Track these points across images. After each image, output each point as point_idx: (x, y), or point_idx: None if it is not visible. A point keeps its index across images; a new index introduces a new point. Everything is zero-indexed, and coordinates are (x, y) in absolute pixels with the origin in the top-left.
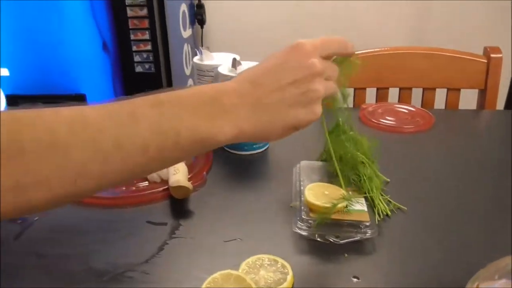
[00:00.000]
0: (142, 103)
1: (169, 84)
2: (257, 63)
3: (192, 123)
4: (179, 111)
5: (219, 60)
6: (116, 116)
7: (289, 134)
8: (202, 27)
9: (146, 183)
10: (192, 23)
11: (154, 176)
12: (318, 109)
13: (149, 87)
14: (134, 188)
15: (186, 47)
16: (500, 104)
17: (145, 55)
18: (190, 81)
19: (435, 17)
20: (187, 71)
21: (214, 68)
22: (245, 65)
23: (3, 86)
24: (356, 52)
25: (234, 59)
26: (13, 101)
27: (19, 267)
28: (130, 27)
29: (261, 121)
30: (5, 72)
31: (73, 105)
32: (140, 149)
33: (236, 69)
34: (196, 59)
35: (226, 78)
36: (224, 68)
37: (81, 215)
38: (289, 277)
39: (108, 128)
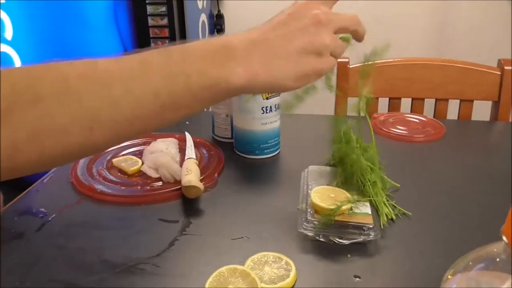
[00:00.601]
0: (151, 52)
1: None
2: None
3: (201, 66)
4: (188, 57)
5: None
6: (126, 64)
7: (304, 83)
8: None
9: (160, 183)
10: (211, 33)
11: (167, 176)
12: (329, 59)
13: None
14: (148, 187)
15: None
16: None
17: None
18: None
19: (453, 29)
20: None
21: None
22: None
23: None
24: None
25: None
26: None
27: (40, 257)
28: (151, 35)
29: (274, 65)
30: None
31: None
32: (151, 94)
33: None
34: None
35: None
36: None
37: (98, 212)
38: (292, 274)
39: (118, 74)
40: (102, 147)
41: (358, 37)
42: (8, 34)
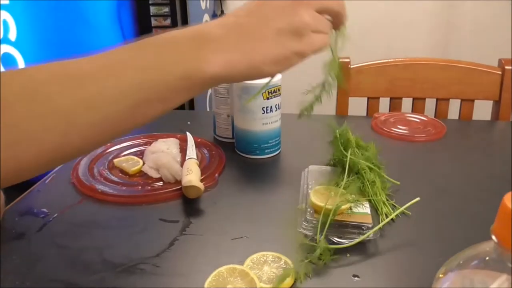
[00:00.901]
0: (123, 47)
1: None
2: None
3: (175, 58)
4: (162, 49)
5: None
6: (98, 62)
7: (285, 67)
8: None
9: (161, 183)
10: None
11: (168, 176)
12: (311, 39)
13: None
14: (149, 187)
15: None
16: None
17: None
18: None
19: (456, 30)
20: None
21: None
22: None
23: None
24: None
25: None
26: None
27: (41, 257)
28: None
29: (250, 50)
30: None
31: None
32: (125, 91)
33: None
34: None
35: (246, 86)
36: None
37: (99, 212)
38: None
39: (90, 73)
40: (81, 151)
41: (338, 21)
42: (12, 35)
